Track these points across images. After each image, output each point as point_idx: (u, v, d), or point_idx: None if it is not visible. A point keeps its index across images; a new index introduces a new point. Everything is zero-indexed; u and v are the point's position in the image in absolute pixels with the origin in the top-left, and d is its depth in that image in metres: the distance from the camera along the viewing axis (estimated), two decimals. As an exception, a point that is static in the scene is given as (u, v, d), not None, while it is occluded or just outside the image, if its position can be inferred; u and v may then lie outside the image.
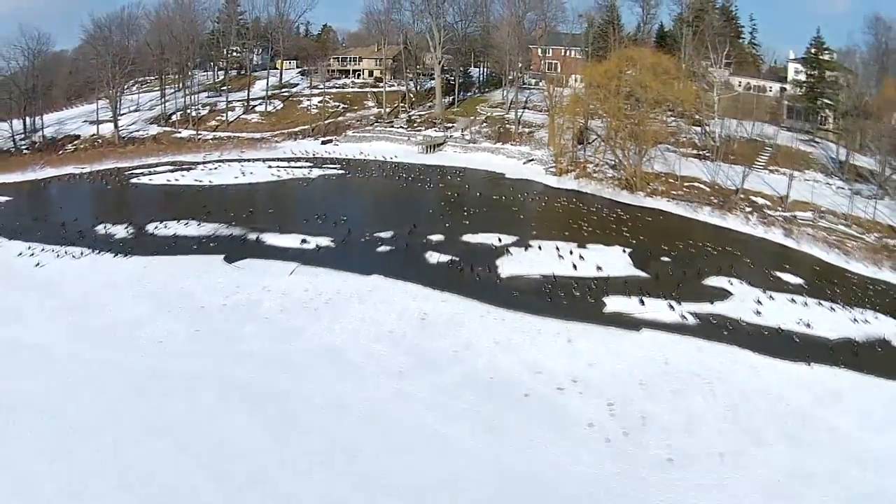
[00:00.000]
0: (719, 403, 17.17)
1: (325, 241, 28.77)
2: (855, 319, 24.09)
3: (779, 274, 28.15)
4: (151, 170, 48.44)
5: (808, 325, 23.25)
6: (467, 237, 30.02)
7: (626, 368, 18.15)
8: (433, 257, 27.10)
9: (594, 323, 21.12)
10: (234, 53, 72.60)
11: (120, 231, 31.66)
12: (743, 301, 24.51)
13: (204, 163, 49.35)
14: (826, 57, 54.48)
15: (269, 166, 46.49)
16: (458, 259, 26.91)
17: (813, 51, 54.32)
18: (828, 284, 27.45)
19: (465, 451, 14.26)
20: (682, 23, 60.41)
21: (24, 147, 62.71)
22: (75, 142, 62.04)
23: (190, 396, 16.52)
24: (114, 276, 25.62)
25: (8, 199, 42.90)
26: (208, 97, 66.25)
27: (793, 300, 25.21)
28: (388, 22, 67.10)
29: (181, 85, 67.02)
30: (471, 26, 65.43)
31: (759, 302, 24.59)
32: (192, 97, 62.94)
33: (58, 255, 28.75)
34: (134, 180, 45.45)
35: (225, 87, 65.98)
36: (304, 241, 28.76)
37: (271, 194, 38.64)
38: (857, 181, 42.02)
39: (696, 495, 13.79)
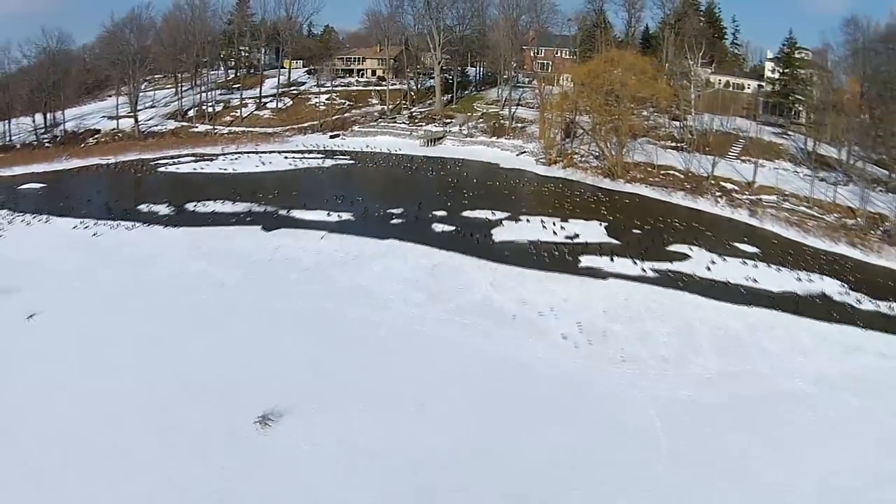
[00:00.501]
0: (667, 326, 22.44)
1: (346, 216, 34.06)
2: (799, 279, 29.22)
3: (737, 244, 33.39)
4: (175, 161, 53.46)
5: (755, 281, 28.52)
6: (466, 213, 35.33)
7: (593, 302, 23.49)
8: (438, 227, 32.41)
9: (569, 274, 26.47)
10: (244, 53, 77.79)
11: (162, 209, 36.78)
12: (699, 262, 29.82)
13: (223, 154, 54.46)
14: (799, 56, 60.30)
15: (285, 157, 51.72)
16: (458, 228, 32.25)
17: (786, 50, 60.14)
18: (781, 254, 32.56)
19: (471, 349, 19.53)
20: (665, 25, 66.07)
21: (45, 141, 67.73)
22: (96, 136, 67.01)
23: (253, 318, 21.69)
24: (167, 242, 30.77)
25: (43, 185, 47.86)
26: (221, 94, 71.40)
27: (744, 262, 30.46)
28: (391, 24, 72.51)
29: (193, 83, 72.21)
30: (468, 29, 70.82)
31: (713, 262, 29.91)
32: (207, 94, 68.05)
33: (111, 228, 33.83)
34: (161, 169, 50.50)
35: (237, 86, 71.28)
36: (328, 215, 34.05)
37: (292, 180, 43.80)
38: (823, 170, 47.18)
39: (642, 382, 19.00)
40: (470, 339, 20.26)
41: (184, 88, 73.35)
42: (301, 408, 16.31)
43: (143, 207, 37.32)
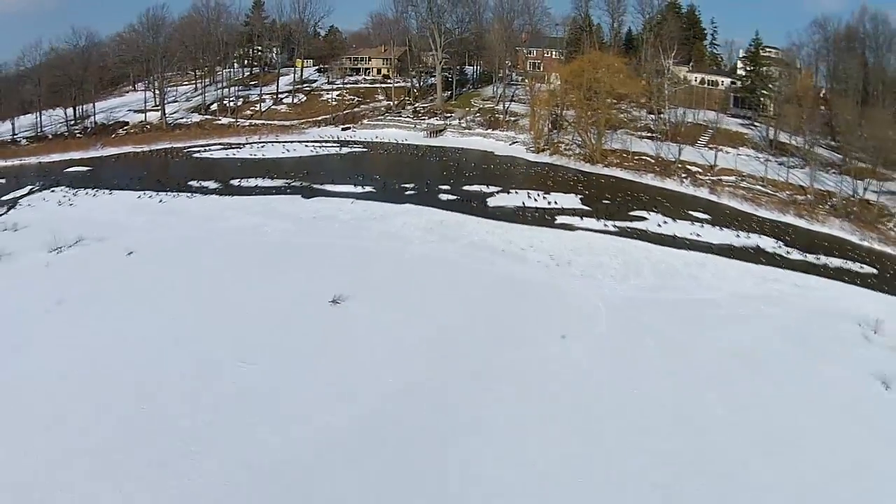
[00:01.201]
0: (618, 260, 30.81)
1: (367, 189, 42.42)
2: (738, 236, 37.50)
3: (692, 213, 41.68)
4: (205, 149, 61.63)
5: (699, 236, 36.86)
6: (466, 187, 43.73)
7: (562, 244, 31.91)
8: (443, 196, 40.81)
9: (546, 227, 34.93)
10: (259, 52, 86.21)
11: (211, 184, 44.98)
12: (653, 222, 38.25)
13: (248, 143, 62.64)
14: (765, 54, 69.34)
15: (306, 146, 60.03)
16: (460, 197, 40.67)
17: (752, 50, 69.14)
18: (730, 220, 40.73)
19: (471, 267, 27.88)
20: (646, 28, 74.89)
21: (76, 132, 75.79)
22: (124, 127, 75.09)
23: (311, 250, 29.94)
24: (224, 206, 38.97)
25: (89, 168, 55.75)
26: (239, 91, 79.71)
27: (693, 224, 38.83)
28: (395, 27, 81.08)
29: (211, 80, 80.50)
30: (466, 31, 79.39)
31: (664, 223, 38.35)
32: (227, 90, 76.34)
33: (173, 196, 41.94)
34: (196, 155, 58.68)
35: (254, 83, 79.64)
36: (353, 188, 42.38)
37: (316, 163, 52.08)
38: (783, 155, 55.27)
39: (594, 288, 27.19)
40: (471, 262, 28.63)
41: (204, 85, 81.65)
42: (355, 296, 24.57)
43: (194, 183, 45.46)
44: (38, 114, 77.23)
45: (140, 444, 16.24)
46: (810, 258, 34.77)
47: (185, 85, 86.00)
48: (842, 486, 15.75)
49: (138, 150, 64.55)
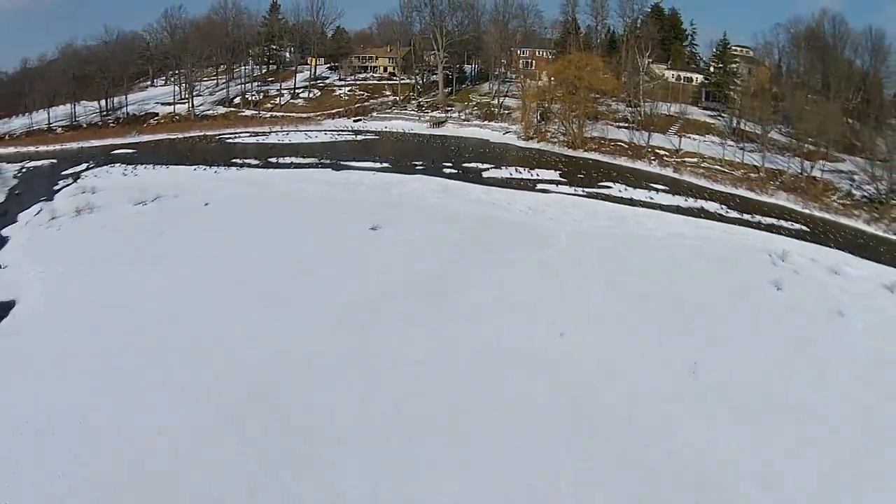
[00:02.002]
0: (580, 210, 41.60)
1: (384, 165, 53.18)
2: (687, 200, 48.06)
3: (653, 185, 52.34)
4: (235, 136, 72.16)
5: (652, 199, 47.49)
6: (465, 164, 54.51)
7: (539, 201, 42.72)
8: (447, 171, 51.58)
9: (528, 191, 45.68)
10: (276, 51, 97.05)
11: (252, 161, 55.58)
12: (616, 190, 48.99)
13: (273, 132, 73.16)
14: (737, 53, 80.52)
15: (325, 133, 70.68)
16: (460, 171, 51.41)
17: (719, 49, 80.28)
18: (685, 191, 51.48)
19: (470, 214, 38.61)
20: (625, 31, 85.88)
21: (109, 121, 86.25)
22: (155, 118, 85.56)
23: (344, 203, 40.54)
24: (269, 174, 49.61)
25: (133, 151, 65.98)
26: (258, 86, 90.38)
27: (650, 192, 49.47)
28: (401, 29, 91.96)
29: (231, 76, 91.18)
30: (465, 34, 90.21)
31: (625, 190, 49.07)
32: (249, 85, 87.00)
33: (224, 169, 52.46)
34: (228, 140, 69.20)
35: (271, 79, 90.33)
36: (372, 164, 53.06)
37: (336, 146, 62.75)
38: (744, 142, 65.60)
39: (560, 226, 37.80)
40: (470, 209, 39.50)
41: (223, 80, 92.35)
42: (386, 226, 35.34)
43: (237, 161, 56.07)
44: (72, 105, 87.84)
45: (258, 292, 26.68)
46: (746, 217, 45.28)
47: (206, 80, 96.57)
48: (731, 337, 25.06)
49: (172, 136, 74.81)
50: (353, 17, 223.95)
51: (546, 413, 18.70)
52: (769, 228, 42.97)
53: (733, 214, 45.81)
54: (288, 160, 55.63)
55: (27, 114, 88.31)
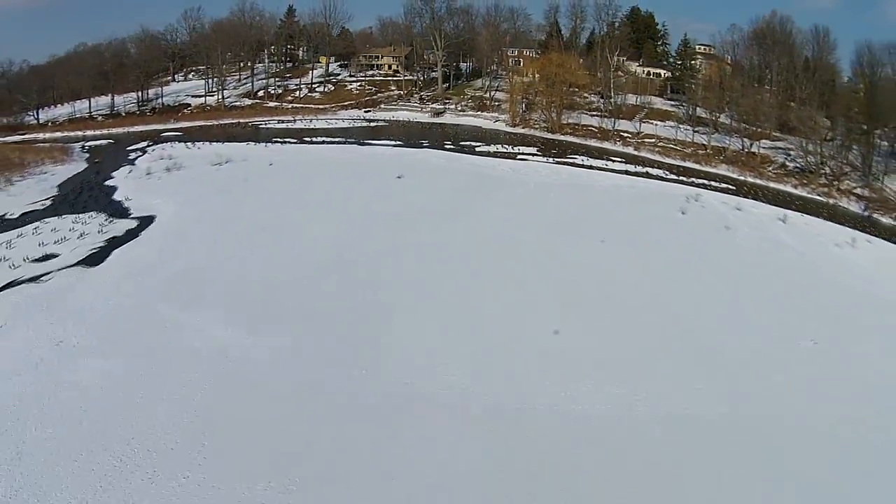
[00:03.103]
0: (548, 170, 56.83)
1: (397, 143, 68.14)
2: (636, 167, 63.12)
3: (612, 158, 67.31)
4: (264, 122, 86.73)
5: (607, 166, 62.42)
6: (462, 143, 69.56)
7: (518, 165, 57.88)
8: (447, 146, 66.61)
9: (511, 160, 60.69)
10: (291, 49, 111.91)
11: (290, 139, 70.13)
12: (580, 160, 63.91)
13: (296, 120, 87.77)
14: (701, 51, 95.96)
15: (342, 121, 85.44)
16: (458, 148, 66.40)
17: (680, 48, 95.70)
18: (638, 162, 66.39)
19: (466, 171, 53.65)
20: (599, 33, 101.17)
21: (146, 111, 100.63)
22: (187, 108, 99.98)
23: (372, 165, 55.18)
24: (308, 148, 64.64)
25: (181, 133, 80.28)
26: (278, 81, 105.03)
27: (607, 162, 64.41)
28: (403, 31, 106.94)
29: (252, 71, 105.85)
30: (461, 36, 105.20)
31: (587, 160, 64.02)
32: (270, 80, 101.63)
33: (270, 144, 66.97)
34: (260, 126, 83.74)
35: (288, 75, 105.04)
36: (386, 142, 67.87)
37: (354, 130, 77.56)
38: (699, 126, 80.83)
39: (531, 178, 52.66)
40: (468, 168, 54.51)
41: (245, 76, 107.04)
42: (407, 176, 50.11)
43: (277, 140, 70.60)
44: (112, 96, 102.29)
45: (323, 212, 41.03)
46: (683, 178, 60.05)
47: (227, 76, 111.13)
48: (639, 240, 39.56)
49: (208, 123, 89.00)
50: (355, 18, 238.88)
51: (511, 255, 32.91)
52: (700, 186, 57.44)
53: (671, 177, 60.48)
54: (320, 139, 70.30)
55: (67, 103, 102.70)
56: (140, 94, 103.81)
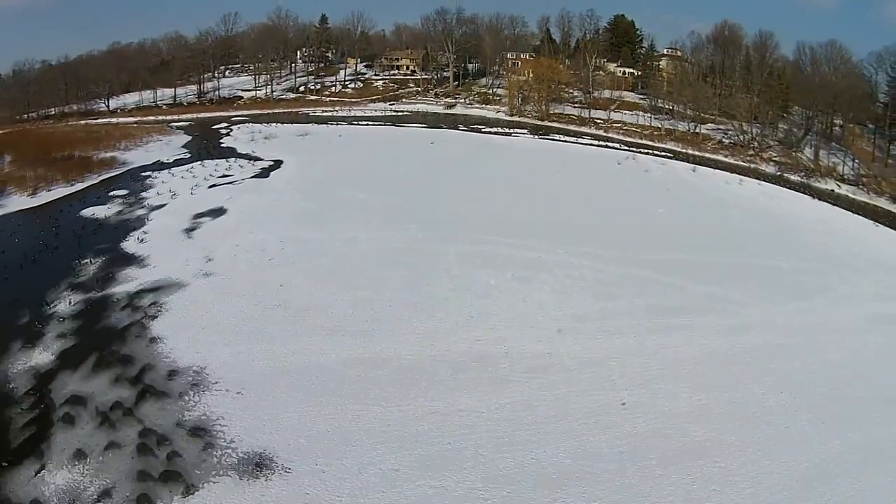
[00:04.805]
0: (533, 142, 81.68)
1: (423, 126, 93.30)
2: (598, 143, 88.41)
3: (585, 136, 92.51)
4: (311, 111, 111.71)
5: (577, 141, 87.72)
6: (472, 126, 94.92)
7: (511, 138, 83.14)
8: (460, 128, 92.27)
9: (506, 136, 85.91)
10: (324, 52, 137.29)
11: (342, 123, 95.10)
12: (557, 137, 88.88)
13: (335, 109, 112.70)
14: (661, 53, 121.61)
15: (374, 111, 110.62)
16: (469, 129, 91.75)
17: (647, 52, 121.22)
18: (603, 139, 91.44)
19: (477, 141, 78.81)
20: (582, 40, 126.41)
21: (205, 101, 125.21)
22: (241, 100, 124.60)
23: (408, 138, 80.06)
24: (358, 127, 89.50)
25: (248, 119, 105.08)
26: (314, 79, 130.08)
27: (577, 138, 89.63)
28: (419, 37, 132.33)
29: (291, 70, 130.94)
30: (468, 42, 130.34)
31: (564, 137, 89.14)
32: (308, 77, 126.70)
33: (328, 125, 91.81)
34: (310, 114, 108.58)
35: (322, 73, 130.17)
36: (415, 125, 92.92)
37: (386, 118, 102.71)
38: (659, 114, 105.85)
39: (519, 144, 77.55)
40: (477, 140, 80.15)
41: (284, 73, 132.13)
42: (438, 143, 76.49)
43: (331, 122, 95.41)
44: (174, 88, 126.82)
45: (386, 161, 65.46)
46: (633, 149, 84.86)
47: (263, 74, 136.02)
48: (581, 181, 64.33)
49: (263, 112, 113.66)
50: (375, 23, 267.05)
51: (504, 180, 57.16)
52: (643, 153, 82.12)
53: (623, 147, 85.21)
54: (364, 122, 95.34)
55: (136, 92, 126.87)
56: (199, 86, 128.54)
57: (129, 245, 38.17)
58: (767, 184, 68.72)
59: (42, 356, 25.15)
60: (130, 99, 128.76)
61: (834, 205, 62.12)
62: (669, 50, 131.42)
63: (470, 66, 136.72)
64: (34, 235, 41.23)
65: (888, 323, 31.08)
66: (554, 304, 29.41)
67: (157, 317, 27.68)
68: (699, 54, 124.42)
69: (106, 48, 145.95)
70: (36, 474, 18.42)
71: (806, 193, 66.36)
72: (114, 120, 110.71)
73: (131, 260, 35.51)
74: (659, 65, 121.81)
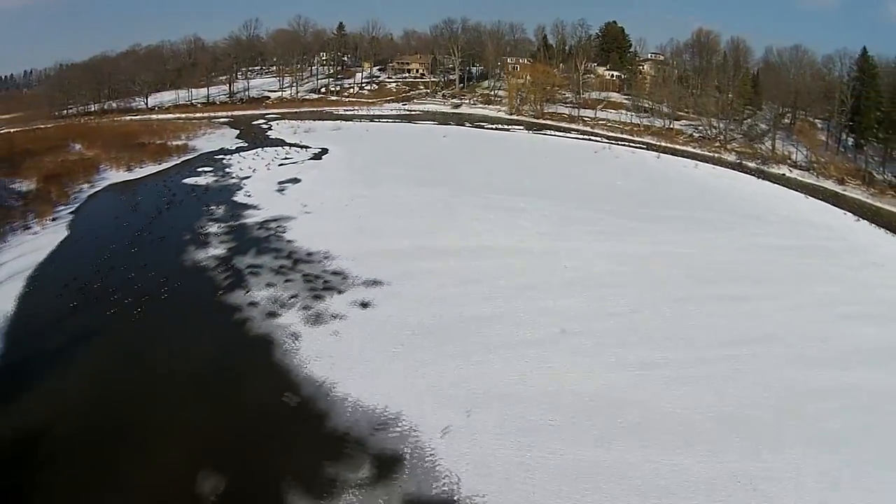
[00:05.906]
0: (529, 135, 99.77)
1: (433, 122, 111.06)
2: (583, 136, 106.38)
3: (573, 131, 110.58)
4: (333, 110, 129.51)
5: (567, 136, 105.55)
6: (478, 124, 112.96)
7: (509, 132, 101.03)
8: (466, 125, 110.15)
9: (505, 132, 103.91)
10: (340, 56, 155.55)
11: (366, 119, 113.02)
12: (549, 132, 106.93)
13: (355, 109, 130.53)
14: (644, 58, 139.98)
15: (390, 110, 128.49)
16: (473, 126, 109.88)
17: (632, 57, 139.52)
18: (589, 134, 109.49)
19: (482, 136, 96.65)
20: (574, 47, 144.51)
21: (236, 101, 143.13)
22: (269, 100, 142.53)
23: (424, 134, 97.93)
24: (381, 124, 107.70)
25: (279, 115, 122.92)
26: (333, 81, 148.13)
27: (566, 133, 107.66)
28: (428, 43, 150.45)
29: (311, 73, 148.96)
30: (472, 48, 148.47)
31: (554, 132, 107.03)
32: (328, 80, 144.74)
33: (354, 122, 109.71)
34: (333, 112, 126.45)
35: (340, 76, 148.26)
36: (427, 122, 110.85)
37: (401, 116, 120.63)
38: (641, 113, 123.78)
39: (515, 138, 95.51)
40: (482, 135, 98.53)
41: (305, 76, 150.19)
42: (449, 136, 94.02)
43: (355, 119, 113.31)
44: (207, 88, 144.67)
45: (411, 145, 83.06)
46: (612, 142, 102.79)
47: (290, 74, 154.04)
48: (566, 165, 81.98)
49: (290, 110, 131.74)
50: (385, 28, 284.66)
51: (503, 162, 74.71)
52: (620, 145, 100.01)
53: (605, 141, 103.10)
54: (387, 119, 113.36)
55: (173, 91, 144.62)
56: (230, 86, 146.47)
57: (240, 198, 56.03)
58: (722, 168, 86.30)
59: (217, 250, 42.87)
60: (167, 97, 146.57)
61: (778, 185, 79.51)
62: (653, 55, 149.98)
63: (473, 70, 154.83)
64: (154, 196, 58.63)
65: (764, 248, 48.26)
66: (529, 227, 47.71)
67: (284, 232, 45.53)
68: (678, 58, 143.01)
69: (126, 49, 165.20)
70: (245, 293, 36.12)
71: (757, 176, 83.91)
72: (154, 116, 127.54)
73: (247, 206, 53.32)
74: (641, 68, 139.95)
